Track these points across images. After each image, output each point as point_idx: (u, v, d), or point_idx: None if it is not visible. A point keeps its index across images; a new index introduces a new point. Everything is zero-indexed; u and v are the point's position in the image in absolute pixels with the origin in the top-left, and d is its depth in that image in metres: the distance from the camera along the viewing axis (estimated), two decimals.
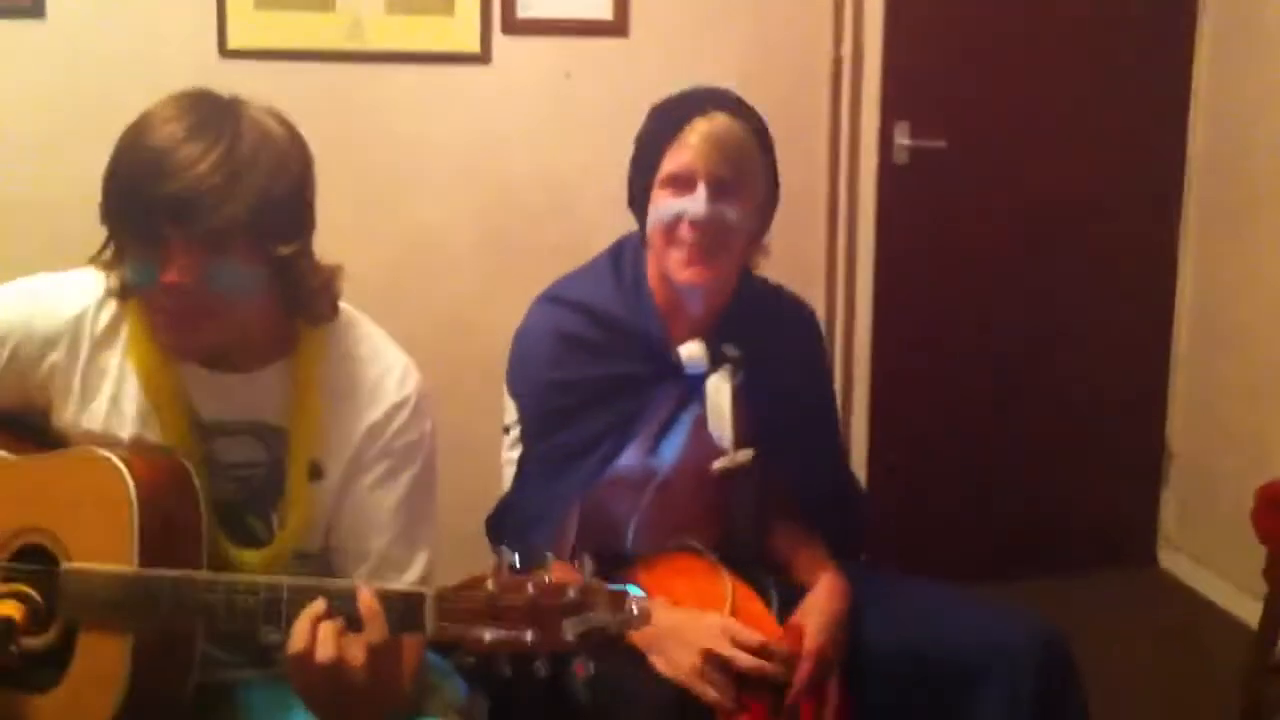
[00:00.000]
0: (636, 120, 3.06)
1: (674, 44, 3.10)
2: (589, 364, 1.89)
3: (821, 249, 3.31)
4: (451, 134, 3.05)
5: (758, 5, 3.17)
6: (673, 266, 1.84)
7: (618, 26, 3.06)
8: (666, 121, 1.87)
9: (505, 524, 1.96)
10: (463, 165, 3.07)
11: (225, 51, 2.89)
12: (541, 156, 3.10)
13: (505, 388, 1.97)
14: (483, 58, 3.00)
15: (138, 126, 1.50)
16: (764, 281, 2.03)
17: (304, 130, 1.58)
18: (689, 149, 1.82)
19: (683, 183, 1.82)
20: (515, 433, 1.95)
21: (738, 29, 3.15)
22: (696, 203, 1.81)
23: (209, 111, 1.50)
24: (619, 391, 1.89)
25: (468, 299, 3.09)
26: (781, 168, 1.93)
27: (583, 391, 1.88)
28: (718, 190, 1.81)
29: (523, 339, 1.96)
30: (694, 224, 1.81)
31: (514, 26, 3.00)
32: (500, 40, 3.00)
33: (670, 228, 1.83)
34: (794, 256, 2.99)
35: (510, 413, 1.96)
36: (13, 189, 2.82)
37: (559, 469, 1.89)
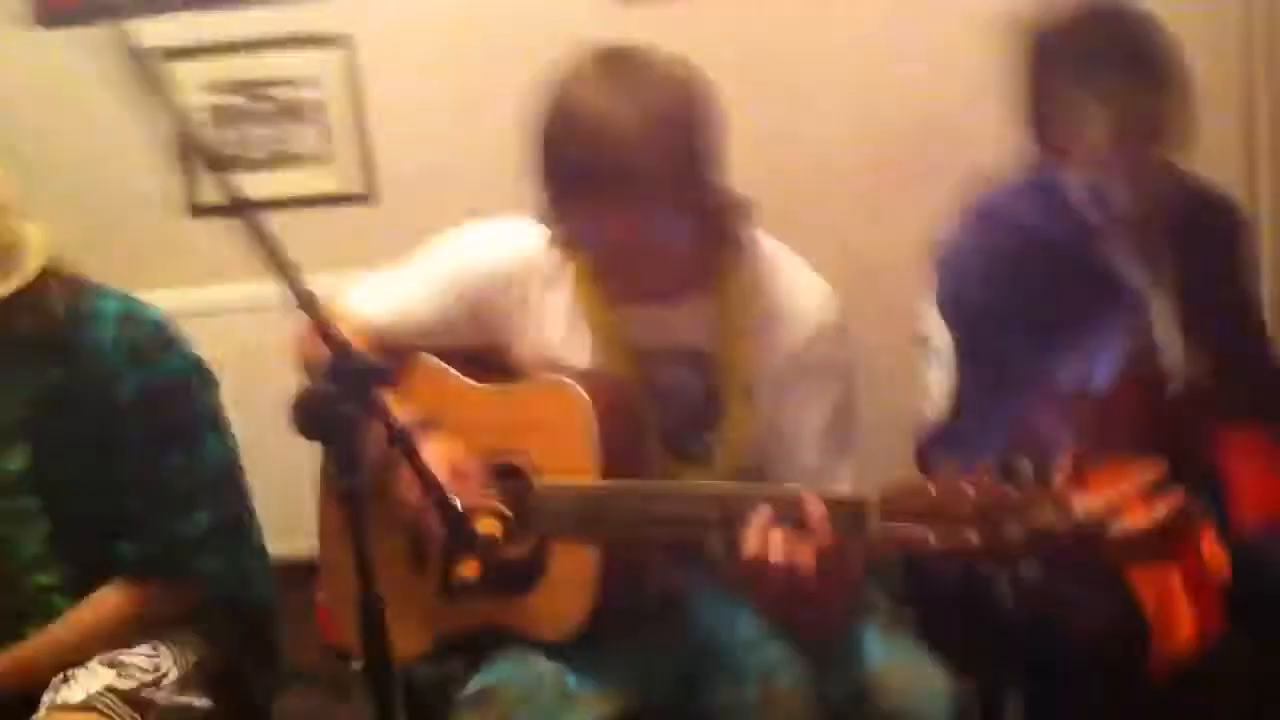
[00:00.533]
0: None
1: None
2: (1022, 282, 1.86)
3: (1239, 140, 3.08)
4: (841, 51, 3.01)
5: None
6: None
7: None
8: None
9: (939, 448, 1.97)
10: (854, 82, 3.03)
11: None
12: (928, 69, 3.00)
13: (931, 305, 1.96)
14: None
15: (561, 89, 1.60)
16: (1186, 179, 1.94)
17: (699, 61, 1.65)
18: None
19: None
20: (945, 354, 1.96)
21: None
22: None
23: (626, 69, 1.59)
24: (1053, 310, 1.86)
25: (858, 219, 3.07)
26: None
27: (1017, 311, 1.85)
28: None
29: (950, 256, 1.95)
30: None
31: None
32: None
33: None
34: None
35: (937, 332, 1.96)
36: (439, 150, 3.02)
37: (995, 391, 1.87)
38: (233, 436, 1.94)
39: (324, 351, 1.31)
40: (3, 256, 1.68)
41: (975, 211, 1.94)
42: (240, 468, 1.95)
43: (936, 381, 1.98)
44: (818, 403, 1.70)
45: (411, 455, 1.37)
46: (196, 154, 1.15)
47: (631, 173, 1.53)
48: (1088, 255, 1.83)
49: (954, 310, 1.93)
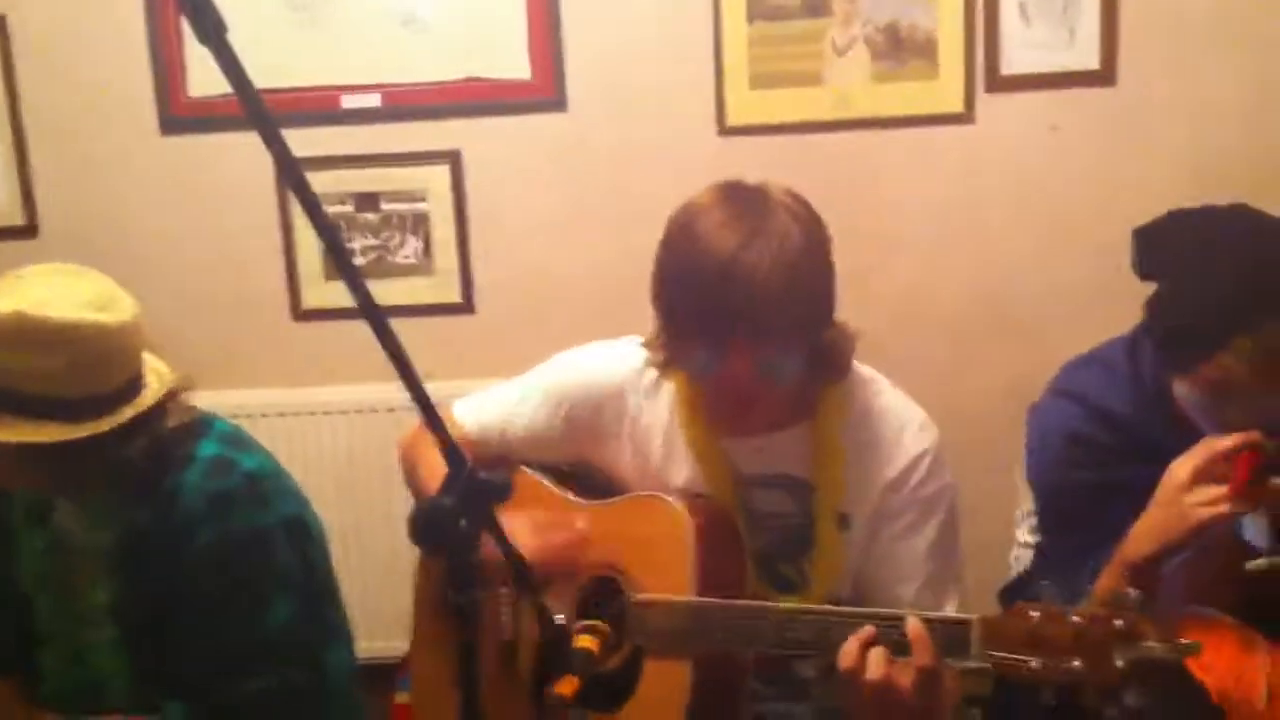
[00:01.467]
0: (1126, 172, 3.00)
1: (1165, 90, 3.02)
2: (1101, 467, 1.84)
3: None
4: (935, 194, 3.11)
5: (1261, 38, 3.00)
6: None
7: (1105, 76, 3.01)
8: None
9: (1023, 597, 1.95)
10: (946, 224, 3.13)
11: (724, 129, 3.10)
12: (1025, 212, 3.11)
13: (1023, 470, 1.96)
14: (966, 117, 3.05)
15: (688, 224, 1.62)
16: None
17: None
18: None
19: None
20: (1031, 520, 1.97)
21: (1237, 67, 3.01)
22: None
23: (754, 209, 1.60)
24: (1133, 488, 1.77)
25: (957, 357, 3.13)
26: None
27: (1095, 495, 1.83)
28: None
29: (1037, 430, 1.93)
30: None
31: (998, 84, 3.04)
32: (984, 98, 3.05)
33: None
34: None
35: (1026, 498, 1.97)
36: (536, 264, 3.16)
37: (1073, 567, 1.84)
38: (316, 595, 1.86)
39: (436, 461, 1.32)
40: (125, 386, 1.70)
41: (1062, 387, 1.92)
42: (324, 628, 1.89)
43: (1024, 543, 1.99)
44: (917, 533, 1.71)
45: (521, 572, 1.39)
46: (335, 259, 1.17)
47: (760, 314, 1.56)
48: (1168, 437, 1.80)
49: (1037, 481, 1.93)
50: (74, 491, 1.79)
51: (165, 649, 1.76)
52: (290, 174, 1.10)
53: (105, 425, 1.67)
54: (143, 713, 1.78)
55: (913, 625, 1.46)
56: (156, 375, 1.76)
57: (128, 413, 1.70)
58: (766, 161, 2.96)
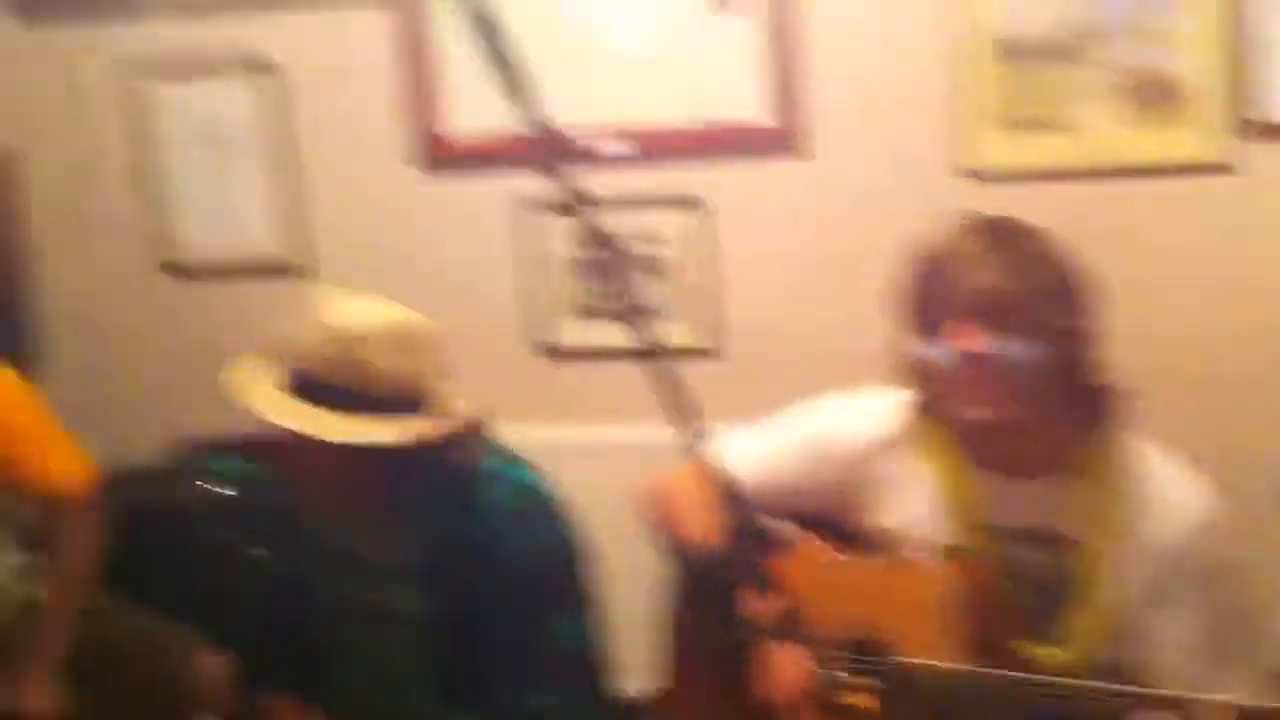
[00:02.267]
0: None
1: None
2: None
3: None
4: (1197, 246, 2.99)
5: None
6: None
7: None
8: None
9: None
10: (1211, 276, 3.00)
11: (965, 173, 3.06)
12: None
13: None
14: (1226, 167, 2.94)
15: (934, 243, 1.73)
16: None
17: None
18: None
19: None
20: None
21: None
22: None
23: (1008, 240, 1.70)
24: None
25: (1216, 427, 2.93)
26: None
27: None
28: None
29: None
30: None
31: (1259, 132, 2.92)
32: (1243, 147, 2.92)
33: None
34: None
35: None
36: (777, 314, 3.18)
37: None
38: (596, 620, 1.96)
39: (696, 505, 1.33)
40: (426, 405, 1.81)
41: None
42: (601, 651, 1.98)
43: None
44: (1196, 606, 1.68)
45: (794, 624, 1.41)
46: (617, 301, 1.22)
47: (990, 293, 1.63)
48: None
49: None
50: (394, 499, 1.88)
51: (467, 660, 1.85)
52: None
53: (446, 427, 1.79)
54: None
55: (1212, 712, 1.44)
56: (448, 390, 1.88)
57: (461, 415, 1.82)
58: (1013, 208, 2.92)
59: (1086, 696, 1.53)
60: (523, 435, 2.89)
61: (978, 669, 1.63)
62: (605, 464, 2.85)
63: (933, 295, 1.69)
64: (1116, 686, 1.53)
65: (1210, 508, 1.70)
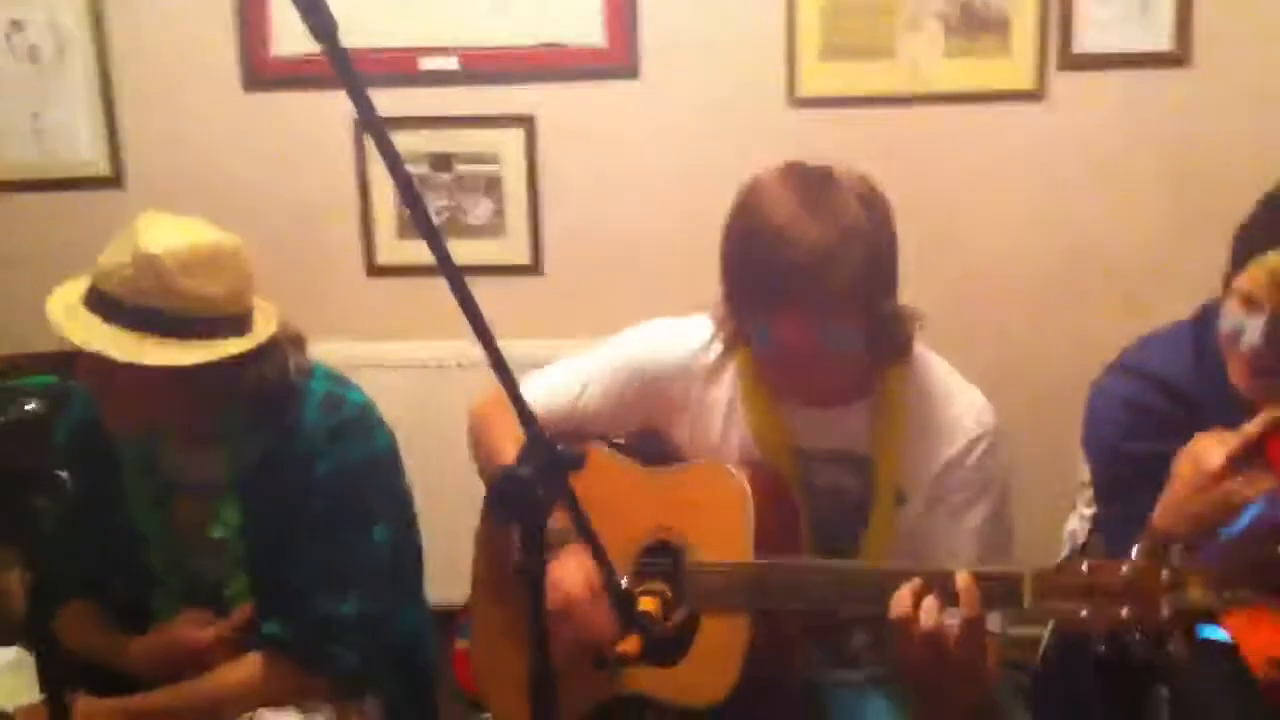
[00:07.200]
0: (1200, 155, 3.00)
1: (1240, 73, 3.01)
2: (1157, 438, 1.83)
3: None
4: (1006, 171, 3.13)
5: None
6: (1232, 371, 1.78)
7: (1179, 57, 3.01)
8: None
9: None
10: (1017, 201, 3.14)
11: (794, 100, 3.13)
12: (1099, 191, 3.11)
13: (1081, 446, 1.98)
14: (1038, 95, 3.06)
15: (750, 198, 1.68)
16: None
17: (866, 171, 1.72)
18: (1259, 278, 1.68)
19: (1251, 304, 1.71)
20: (1088, 492, 1.99)
21: None
22: (1253, 331, 1.69)
23: (810, 181, 1.67)
24: None
25: (1028, 330, 3.16)
26: None
27: (1151, 464, 1.81)
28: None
29: (1095, 403, 1.95)
30: (1251, 348, 1.71)
31: (1070, 62, 3.04)
32: (1056, 76, 3.05)
33: (1230, 338, 1.75)
34: None
35: (1083, 470, 1.99)
36: (605, 229, 3.22)
37: (1126, 535, 1.81)
38: (409, 528, 2.02)
39: (508, 430, 1.33)
40: (239, 320, 1.79)
41: (1125, 361, 1.93)
42: (411, 561, 2.03)
43: (1081, 515, 2.02)
44: (970, 512, 1.76)
45: (591, 540, 1.44)
46: (414, 215, 1.19)
47: (811, 275, 1.61)
48: (1229, 415, 1.80)
49: (1093, 453, 1.95)
50: (206, 418, 1.86)
51: (280, 572, 1.87)
52: (374, 130, 1.15)
53: (250, 344, 1.78)
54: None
55: (962, 578, 1.53)
56: (262, 309, 1.85)
57: (265, 332, 1.80)
58: (837, 133, 3.02)
59: (871, 577, 1.61)
60: (348, 351, 2.93)
61: (769, 561, 1.69)
62: (433, 379, 2.88)
63: (750, 262, 1.66)
64: (903, 567, 1.60)
65: (987, 420, 1.78)
